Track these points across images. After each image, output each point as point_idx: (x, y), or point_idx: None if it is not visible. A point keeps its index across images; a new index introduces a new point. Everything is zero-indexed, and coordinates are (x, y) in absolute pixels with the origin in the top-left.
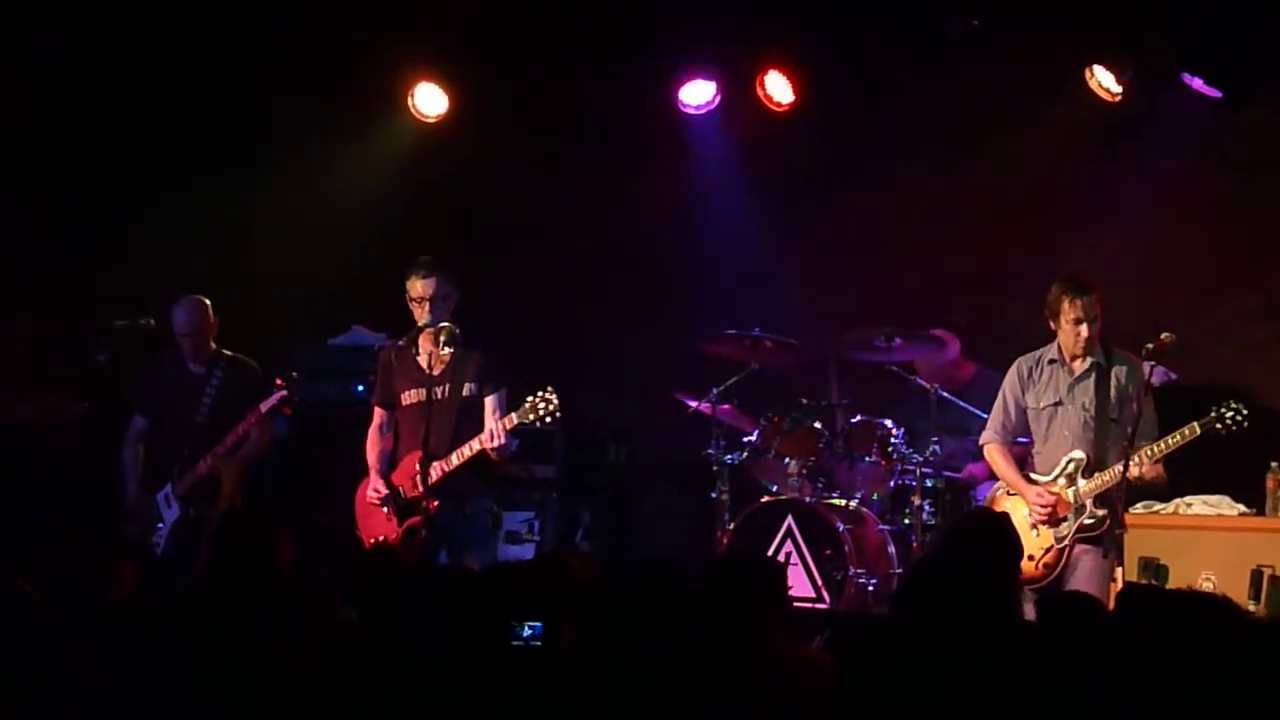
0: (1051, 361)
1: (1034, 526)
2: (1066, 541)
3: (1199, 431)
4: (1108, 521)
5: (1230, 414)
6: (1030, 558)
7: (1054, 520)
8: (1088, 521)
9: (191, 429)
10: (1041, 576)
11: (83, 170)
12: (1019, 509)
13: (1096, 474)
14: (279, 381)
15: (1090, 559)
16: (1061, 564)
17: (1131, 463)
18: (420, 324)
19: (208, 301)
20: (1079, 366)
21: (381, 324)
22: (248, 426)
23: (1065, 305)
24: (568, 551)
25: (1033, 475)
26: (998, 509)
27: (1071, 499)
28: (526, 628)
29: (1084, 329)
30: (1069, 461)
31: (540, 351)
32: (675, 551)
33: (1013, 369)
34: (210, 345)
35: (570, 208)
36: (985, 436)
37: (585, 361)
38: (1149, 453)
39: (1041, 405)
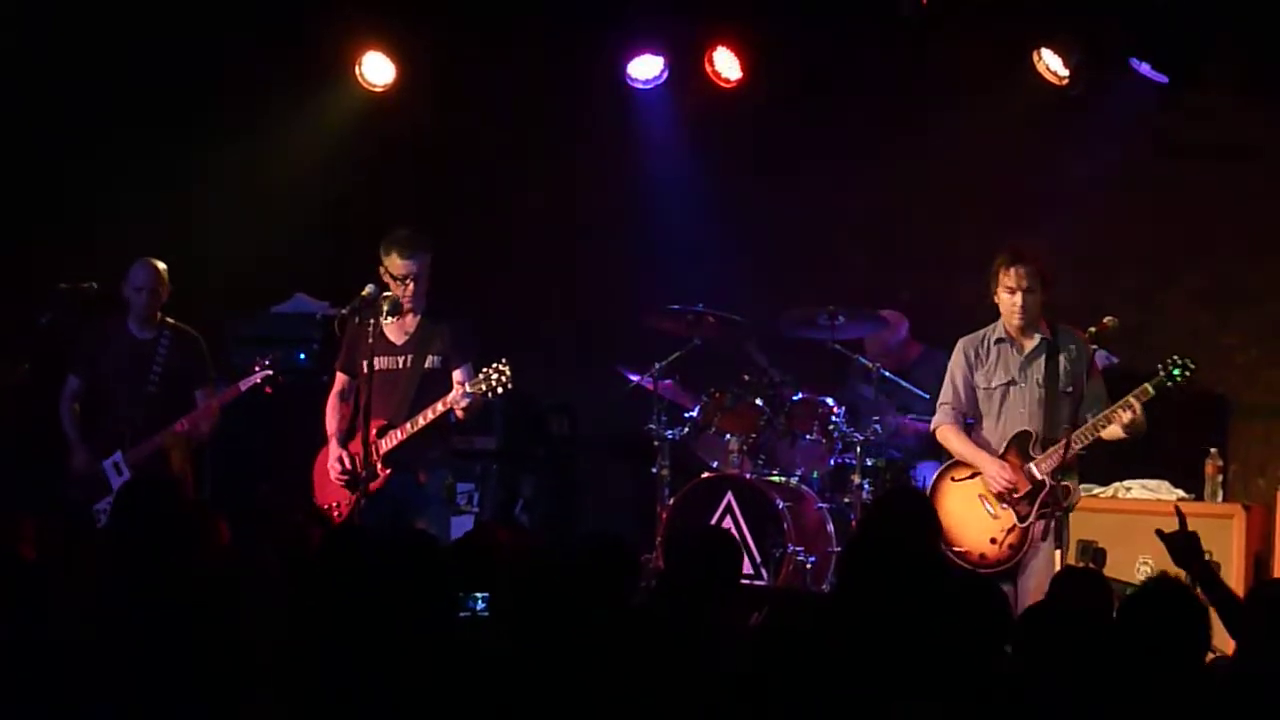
0: (999, 341)
1: (993, 509)
2: (1030, 520)
3: (1152, 392)
4: (1070, 493)
5: (1178, 369)
6: (993, 540)
7: (1012, 498)
8: (1049, 496)
9: (143, 398)
10: (1007, 558)
11: (25, 135)
12: (972, 492)
13: (1051, 449)
14: (263, 361)
15: (1043, 543)
16: (1026, 544)
17: (1076, 438)
18: (401, 300)
19: (164, 266)
20: (1028, 345)
21: (325, 292)
22: (223, 403)
23: (1001, 274)
24: (497, 525)
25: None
26: (945, 494)
27: (1026, 476)
28: (477, 599)
29: (1019, 299)
30: (1019, 436)
31: (483, 322)
32: (614, 526)
33: (958, 351)
34: (159, 311)
35: (516, 180)
36: (937, 420)
37: (528, 333)
38: (1107, 415)
39: (993, 385)
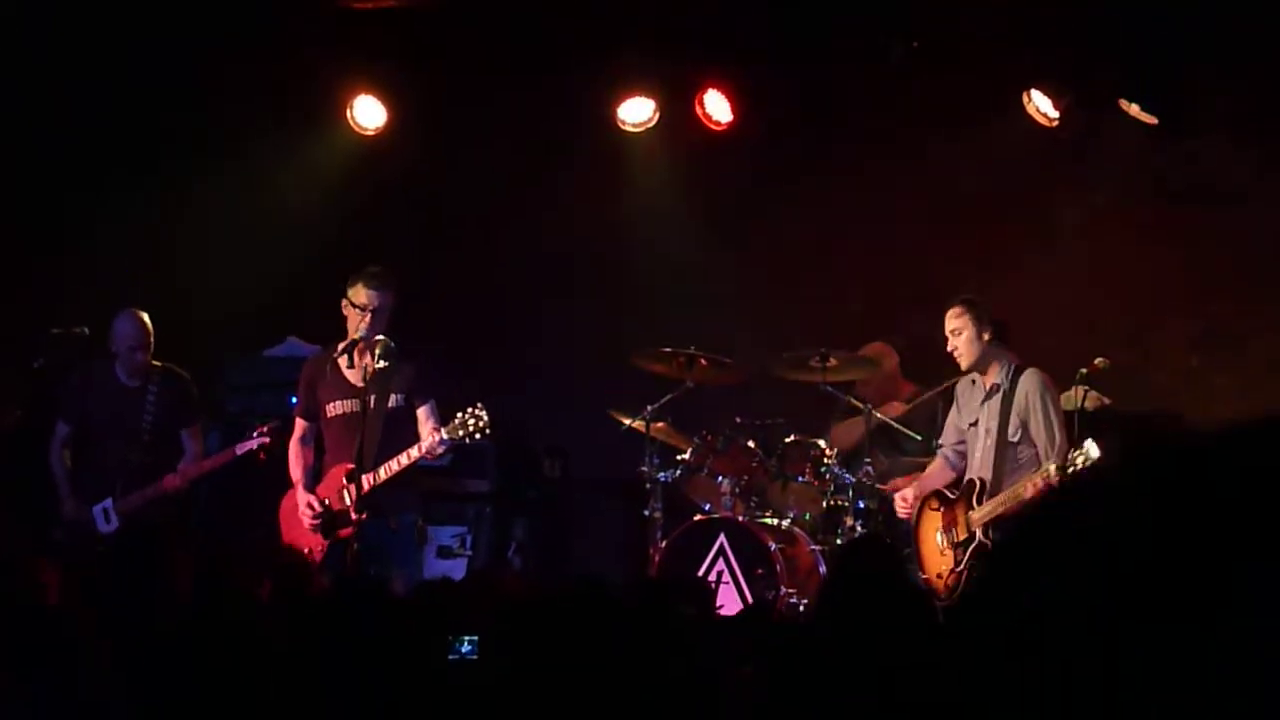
0: (974, 380)
1: (942, 549)
2: (962, 567)
3: (1054, 474)
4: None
5: (1081, 458)
6: (939, 575)
7: (953, 542)
8: (976, 548)
9: (138, 446)
10: (944, 596)
11: (17, 179)
12: (935, 524)
13: (988, 500)
14: (261, 429)
15: None
16: (959, 588)
17: (1002, 500)
18: (356, 335)
19: (146, 316)
20: (986, 385)
21: (317, 336)
22: (218, 465)
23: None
24: (501, 569)
25: (946, 493)
26: (922, 521)
27: (965, 526)
28: (464, 643)
29: (952, 342)
30: (968, 484)
31: (476, 365)
32: (606, 568)
33: (957, 385)
34: (149, 357)
35: (508, 223)
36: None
37: (521, 376)
38: (1012, 492)
39: (965, 425)
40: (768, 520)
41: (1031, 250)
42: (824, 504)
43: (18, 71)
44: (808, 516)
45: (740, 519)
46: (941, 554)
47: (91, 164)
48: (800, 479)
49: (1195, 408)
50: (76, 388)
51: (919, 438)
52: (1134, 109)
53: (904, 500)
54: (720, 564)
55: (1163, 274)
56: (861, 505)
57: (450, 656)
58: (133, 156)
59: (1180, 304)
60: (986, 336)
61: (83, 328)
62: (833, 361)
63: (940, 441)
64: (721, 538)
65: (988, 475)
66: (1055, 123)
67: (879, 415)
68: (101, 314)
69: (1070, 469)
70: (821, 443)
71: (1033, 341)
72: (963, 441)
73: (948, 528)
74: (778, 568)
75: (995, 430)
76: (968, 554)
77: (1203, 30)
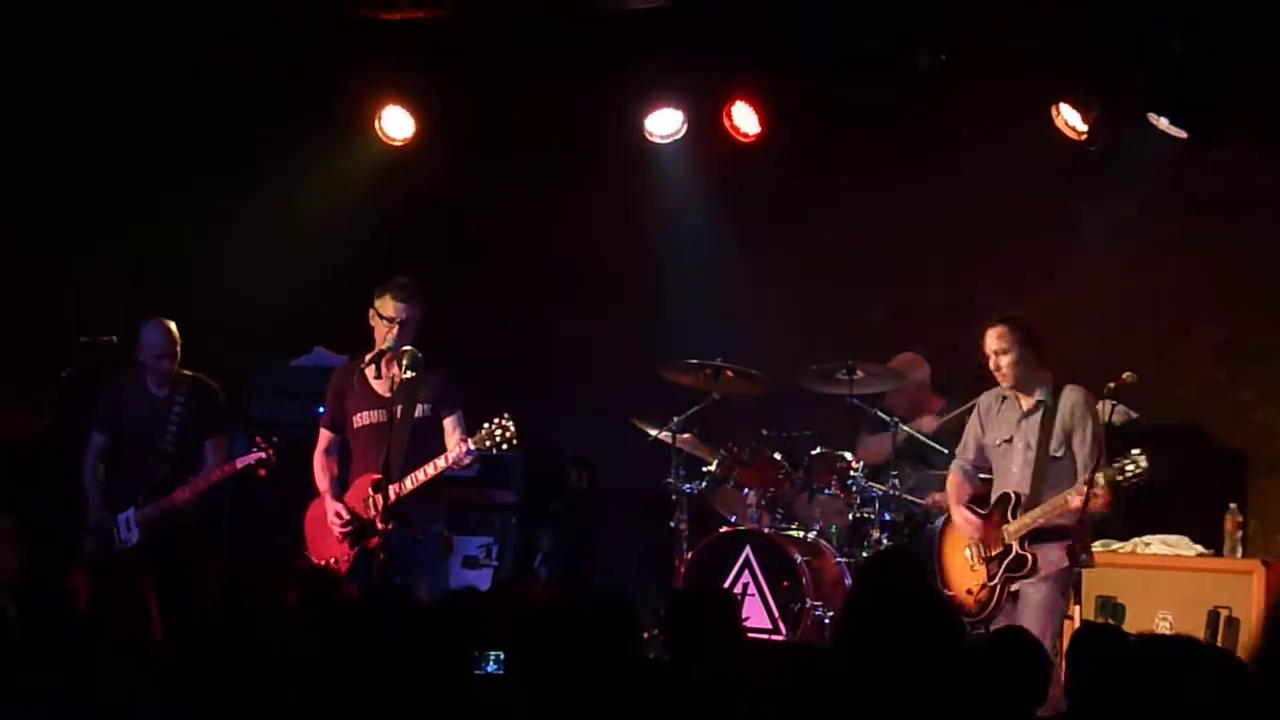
0: (1004, 398)
1: (972, 564)
2: (996, 580)
3: (1101, 482)
4: (1030, 563)
5: (1131, 466)
6: (969, 591)
7: (985, 556)
8: (1013, 562)
9: (160, 457)
10: (975, 612)
11: (49, 187)
12: (963, 541)
13: (1025, 513)
14: (259, 441)
15: (1035, 594)
16: (993, 602)
17: (1046, 510)
18: (384, 346)
19: (173, 324)
20: (1026, 404)
21: (343, 346)
22: (220, 477)
23: (982, 341)
24: (529, 580)
25: (976, 509)
26: (949, 537)
27: (1004, 537)
28: (491, 659)
29: (994, 361)
30: (1001, 498)
31: (503, 376)
32: (632, 579)
33: (981, 400)
34: (176, 366)
35: (536, 234)
36: (953, 464)
37: (548, 386)
38: (1060, 500)
39: (996, 442)
40: (793, 532)
41: (1059, 262)
42: (850, 516)
43: (28, 76)
44: (834, 529)
45: (766, 531)
46: (972, 569)
47: (121, 174)
48: (826, 491)
49: (1221, 421)
50: (110, 399)
51: (946, 452)
52: (1163, 123)
53: (970, 523)
54: (746, 576)
55: (1190, 287)
56: (888, 518)
57: (476, 672)
58: (163, 167)
59: (1206, 315)
60: (1030, 357)
61: (111, 336)
62: (859, 374)
63: (960, 457)
64: (747, 550)
65: (1025, 490)
66: (1084, 135)
67: (907, 429)
68: (130, 323)
69: (1120, 479)
70: (848, 455)
71: (1060, 353)
72: (982, 458)
73: (979, 542)
74: (803, 580)
75: (1036, 445)
76: (1003, 567)
77: (1231, 42)
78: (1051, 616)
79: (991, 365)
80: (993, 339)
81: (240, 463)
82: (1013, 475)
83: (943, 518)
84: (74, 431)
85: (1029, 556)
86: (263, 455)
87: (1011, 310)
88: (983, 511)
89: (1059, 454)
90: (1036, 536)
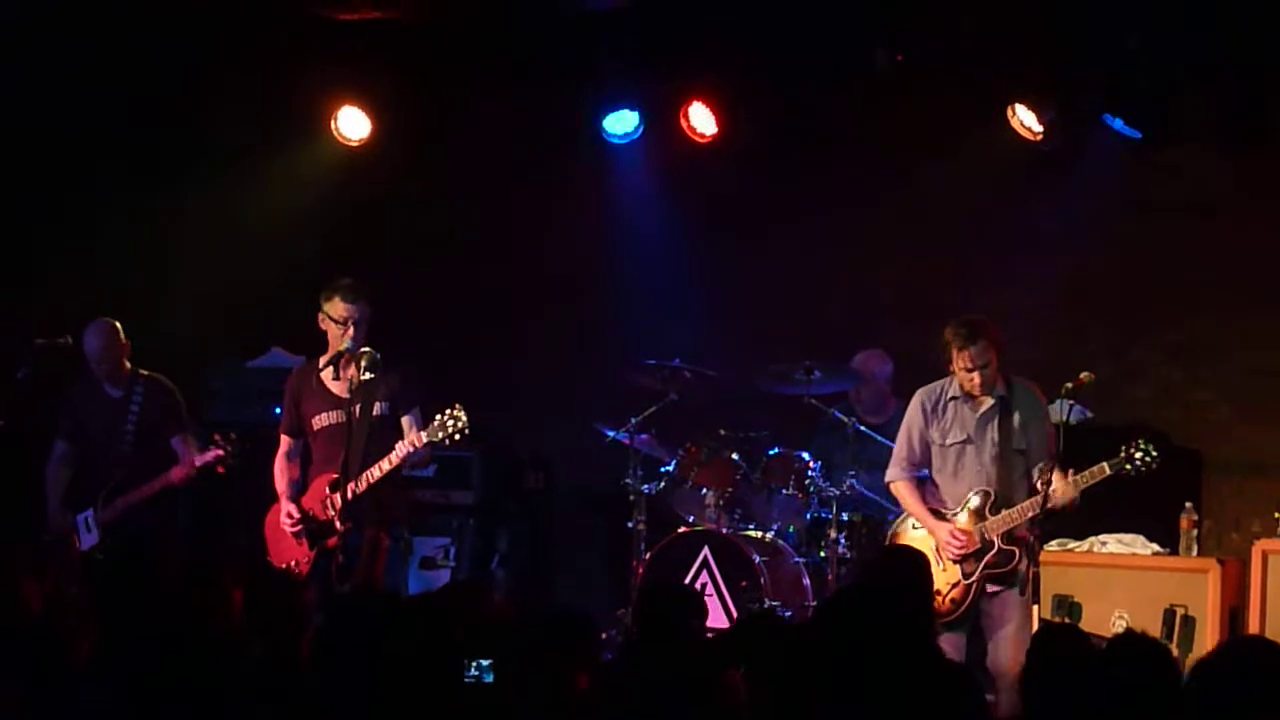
0: (954, 398)
1: (939, 562)
2: (974, 578)
3: (1108, 472)
4: (1015, 557)
5: (1140, 454)
6: (938, 592)
7: (962, 557)
8: (995, 559)
9: (119, 457)
10: (948, 611)
11: (1, 186)
12: (927, 543)
13: (1004, 510)
14: (217, 438)
15: (1011, 595)
16: (968, 600)
17: (1039, 491)
18: (342, 347)
19: (117, 324)
20: (984, 404)
21: (300, 347)
22: (179, 479)
23: (954, 354)
24: (489, 586)
25: (941, 510)
26: (902, 542)
27: (978, 536)
28: (478, 667)
29: (975, 375)
30: (974, 496)
31: (460, 377)
32: (590, 580)
33: (914, 402)
34: (125, 366)
35: (491, 234)
36: (891, 474)
37: (504, 388)
38: (1066, 483)
39: (948, 442)
40: (751, 533)
41: (1015, 262)
42: (807, 516)
43: (5, 82)
44: (791, 529)
45: (724, 531)
46: (942, 570)
47: (75, 174)
48: (784, 491)
49: (1177, 421)
50: (69, 405)
51: None
52: (1118, 124)
53: (958, 537)
54: (704, 576)
55: (1145, 287)
56: (845, 518)
57: (467, 678)
58: (116, 167)
59: (1162, 317)
60: (999, 362)
61: (66, 337)
62: (817, 374)
63: (899, 467)
64: (705, 550)
65: (994, 486)
66: (1039, 137)
67: (864, 429)
68: (85, 324)
69: (1129, 465)
70: (805, 455)
71: (1015, 354)
72: (921, 462)
73: (948, 543)
74: (762, 580)
75: (999, 441)
76: (983, 564)
77: (1185, 44)
78: (1026, 614)
79: (971, 378)
80: (978, 354)
81: (199, 460)
82: (977, 473)
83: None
84: (29, 434)
85: (1013, 551)
86: (220, 453)
87: (972, 316)
88: (949, 511)
89: (1022, 447)
90: (1009, 536)
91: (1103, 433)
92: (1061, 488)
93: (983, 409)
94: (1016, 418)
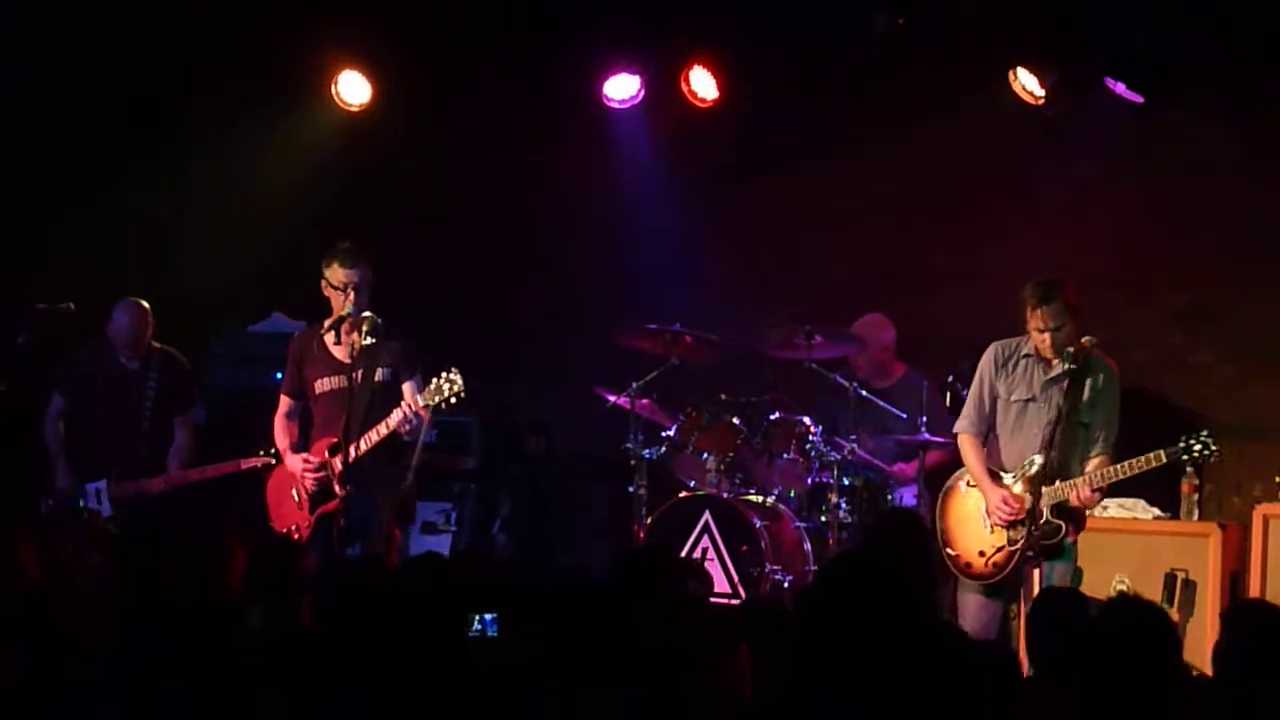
0: (1028, 355)
1: (987, 524)
2: (1019, 546)
3: (1164, 460)
4: (1063, 531)
5: (1200, 446)
6: (981, 553)
7: (1011, 523)
8: (1042, 531)
9: (137, 434)
10: (990, 574)
11: (2, 157)
12: (979, 502)
13: (1059, 481)
14: (262, 453)
15: (1058, 567)
16: (1010, 566)
17: (1085, 481)
18: (344, 312)
19: (146, 304)
20: (1056, 366)
21: (302, 312)
22: (217, 474)
23: (1029, 312)
24: (492, 550)
25: (999, 473)
26: (956, 497)
27: (1029, 504)
28: (486, 619)
29: (1048, 337)
30: (1030, 464)
31: (461, 341)
32: (591, 544)
33: (988, 355)
34: (148, 343)
35: (492, 199)
36: (960, 425)
37: (505, 352)
38: (1103, 474)
39: (1012, 399)
40: (752, 497)
41: (1016, 226)
42: (808, 481)
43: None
44: (792, 494)
45: (725, 496)
46: (990, 531)
47: (75, 141)
48: (785, 456)
49: (1179, 384)
50: (76, 364)
51: (905, 416)
52: (1120, 87)
53: (1009, 503)
54: (705, 541)
55: (1146, 250)
56: (846, 483)
57: (472, 632)
58: (116, 133)
59: (1163, 280)
60: (1074, 325)
61: (68, 304)
62: (818, 339)
63: (969, 419)
64: (706, 515)
65: (1054, 454)
66: (1041, 100)
67: (865, 394)
68: (87, 290)
69: (1185, 456)
70: (806, 420)
71: (1018, 317)
72: (989, 416)
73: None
74: (763, 544)
75: (1064, 408)
76: (1029, 532)
77: (1187, 7)
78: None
79: (1043, 339)
80: (1053, 315)
81: (245, 464)
82: (1035, 436)
83: (910, 490)
84: (30, 399)
85: (1059, 525)
86: (270, 460)
87: (1051, 276)
88: (1004, 475)
89: (1086, 420)
90: (1059, 508)
91: None
92: (1087, 492)
93: (1054, 372)
94: (1087, 390)
